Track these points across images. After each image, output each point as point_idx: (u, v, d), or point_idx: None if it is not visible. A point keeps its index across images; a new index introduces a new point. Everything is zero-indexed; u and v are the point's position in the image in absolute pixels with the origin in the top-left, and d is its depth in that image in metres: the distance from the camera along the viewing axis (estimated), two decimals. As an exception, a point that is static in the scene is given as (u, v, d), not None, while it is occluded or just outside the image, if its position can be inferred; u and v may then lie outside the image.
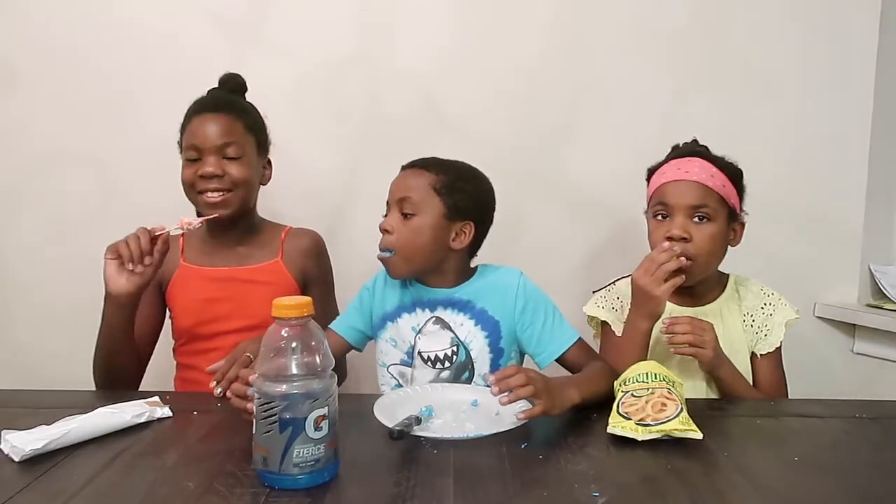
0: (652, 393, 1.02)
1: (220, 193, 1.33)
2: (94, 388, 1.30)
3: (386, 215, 1.27)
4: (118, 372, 1.31)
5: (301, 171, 1.75)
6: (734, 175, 1.33)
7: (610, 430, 1.00)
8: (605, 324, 1.40)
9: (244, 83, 1.45)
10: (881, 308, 1.80)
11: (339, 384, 1.06)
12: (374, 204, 1.80)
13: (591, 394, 1.12)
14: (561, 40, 1.82)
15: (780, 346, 1.35)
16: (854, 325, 1.82)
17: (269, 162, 1.45)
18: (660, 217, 1.33)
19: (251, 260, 1.42)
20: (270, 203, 1.57)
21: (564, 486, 0.83)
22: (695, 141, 1.40)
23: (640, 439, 0.96)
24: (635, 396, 1.03)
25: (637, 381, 1.07)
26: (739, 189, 1.35)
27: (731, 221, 1.33)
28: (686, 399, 1.05)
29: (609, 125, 1.84)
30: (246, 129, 1.38)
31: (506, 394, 1.00)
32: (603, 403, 1.09)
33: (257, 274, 1.40)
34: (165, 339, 1.46)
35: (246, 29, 1.79)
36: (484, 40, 1.82)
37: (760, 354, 1.35)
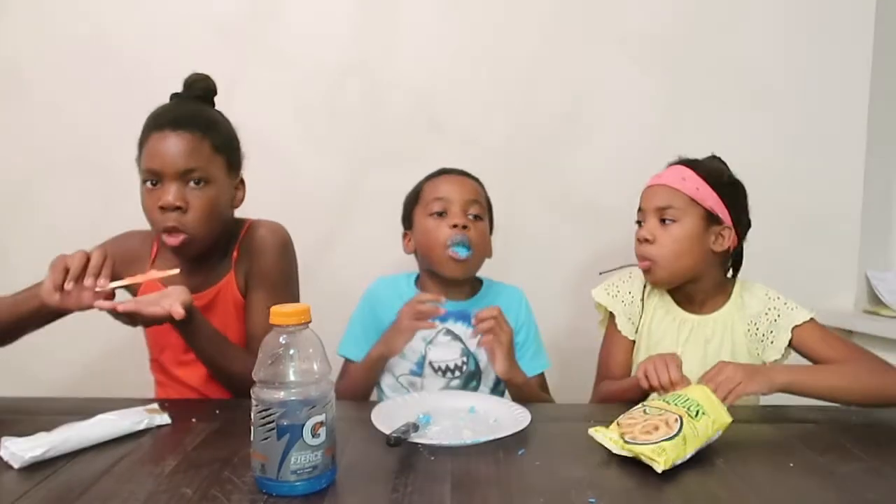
0: (660, 415, 0.96)
1: (180, 237, 1.17)
2: (94, 395, 1.29)
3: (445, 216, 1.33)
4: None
5: (300, 177, 1.76)
6: (716, 181, 1.31)
7: (591, 431, 0.98)
8: (611, 315, 1.40)
9: (213, 86, 1.28)
10: (878, 314, 1.81)
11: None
12: (373, 209, 1.82)
13: (526, 390, 1.25)
14: (558, 48, 1.83)
15: (809, 326, 1.28)
16: (851, 331, 1.82)
17: (241, 182, 1.29)
18: (637, 223, 1.35)
19: (209, 281, 1.27)
20: (269, 209, 1.57)
21: (561, 493, 0.83)
22: (711, 155, 1.38)
23: (613, 451, 0.94)
24: (644, 413, 0.99)
25: (665, 400, 1.01)
26: (727, 196, 1.31)
27: (712, 225, 1.30)
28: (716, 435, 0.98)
29: (607, 131, 1.85)
30: (213, 150, 1.20)
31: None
32: (605, 411, 1.09)
33: (209, 299, 1.26)
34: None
35: (248, 37, 1.81)
36: (482, 48, 1.83)
37: (769, 363, 1.29)
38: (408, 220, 1.39)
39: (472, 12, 1.82)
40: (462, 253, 1.27)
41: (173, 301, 1.06)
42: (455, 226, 1.28)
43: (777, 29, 1.83)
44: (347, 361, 1.35)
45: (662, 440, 0.91)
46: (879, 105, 1.85)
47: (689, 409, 0.97)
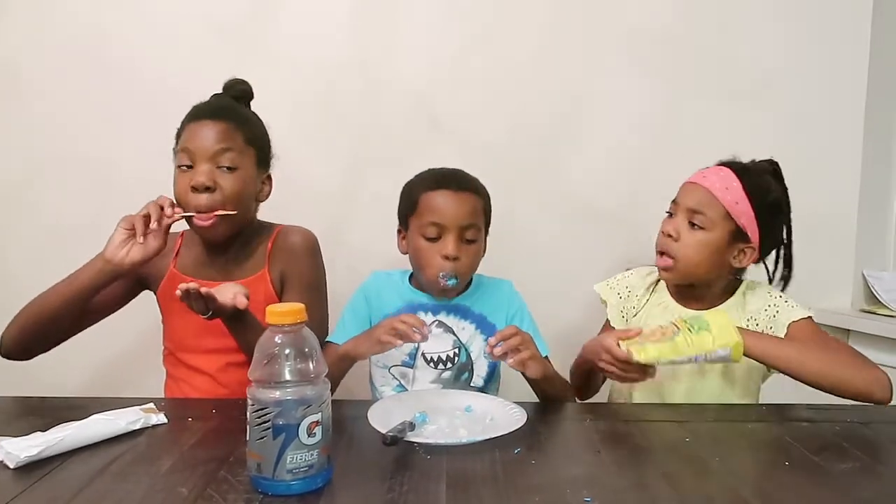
0: (667, 328, 1.15)
1: (211, 217, 1.24)
2: (90, 395, 1.29)
3: (437, 238, 1.29)
4: (43, 336, 1.27)
5: (299, 177, 1.75)
6: (759, 199, 1.27)
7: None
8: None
9: (250, 90, 1.38)
10: (875, 314, 1.81)
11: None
12: (371, 210, 1.83)
13: (556, 379, 1.26)
14: (556, 47, 1.84)
15: (804, 323, 1.27)
16: (848, 330, 1.83)
17: (268, 177, 1.38)
18: (668, 214, 1.35)
19: (239, 274, 1.33)
20: (268, 208, 1.58)
21: (557, 492, 0.83)
22: (769, 160, 1.35)
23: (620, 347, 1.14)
24: (662, 327, 1.17)
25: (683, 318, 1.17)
26: (764, 216, 1.27)
27: (737, 241, 1.28)
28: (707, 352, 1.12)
29: (606, 131, 1.85)
30: (245, 141, 1.29)
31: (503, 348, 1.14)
32: (599, 408, 1.10)
33: None
34: (157, 343, 1.44)
35: (246, 36, 1.81)
36: (480, 48, 1.83)
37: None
38: (404, 221, 1.35)
39: (472, 12, 1.82)
40: (450, 283, 1.27)
41: (237, 293, 1.15)
42: (447, 257, 1.26)
43: (776, 29, 1.83)
44: (328, 344, 1.32)
45: (648, 343, 1.12)
46: (876, 105, 1.85)
47: (692, 325, 1.13)
